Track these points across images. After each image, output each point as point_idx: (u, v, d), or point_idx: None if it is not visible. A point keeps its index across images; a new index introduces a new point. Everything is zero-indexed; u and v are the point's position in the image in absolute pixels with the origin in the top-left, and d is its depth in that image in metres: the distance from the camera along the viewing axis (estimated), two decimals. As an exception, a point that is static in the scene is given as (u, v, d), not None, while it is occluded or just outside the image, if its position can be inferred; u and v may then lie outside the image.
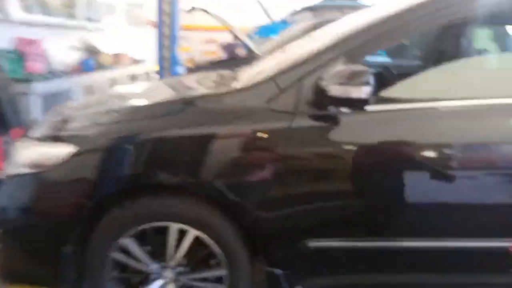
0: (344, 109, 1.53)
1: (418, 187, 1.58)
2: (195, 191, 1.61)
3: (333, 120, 1.55)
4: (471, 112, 1.59)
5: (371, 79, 1.44)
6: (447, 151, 1.55)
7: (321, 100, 1.52)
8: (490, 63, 2.12)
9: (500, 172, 1.60)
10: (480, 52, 2.76)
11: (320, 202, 1.59)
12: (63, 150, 1.58)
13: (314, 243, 1.59)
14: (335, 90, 1.44)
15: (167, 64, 4.90)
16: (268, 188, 1.55)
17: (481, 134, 1.58)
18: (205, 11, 5.34)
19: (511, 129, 1.58)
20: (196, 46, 7.49)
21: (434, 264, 1.66)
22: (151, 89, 2.39)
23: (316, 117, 1.56)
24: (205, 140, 1.56)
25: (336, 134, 1.55)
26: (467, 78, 1.69)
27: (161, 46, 4.90)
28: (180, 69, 4.98)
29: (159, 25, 4.86)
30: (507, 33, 2.59)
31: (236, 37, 5.35)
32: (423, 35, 1.67)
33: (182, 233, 1.61)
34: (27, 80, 3.79)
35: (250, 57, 5.79)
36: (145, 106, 1.77)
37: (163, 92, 2.16)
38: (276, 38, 6.75)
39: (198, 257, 1.65)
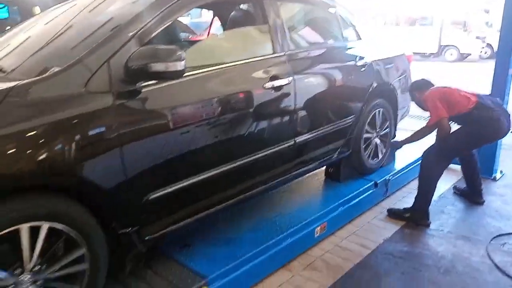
0: (152, 82, 1.82)
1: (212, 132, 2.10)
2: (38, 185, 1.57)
3: (144, 93, 1.80)
4: (229, 70, 2.19)
5: (183, 55, 1.73)
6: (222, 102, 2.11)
7: (134, 76, 1.75)
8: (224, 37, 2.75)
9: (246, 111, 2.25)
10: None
11: (151, 162, 1.87)
12: None
13: (152, 195, 1.90)
14: (156, 66, 1.70)
15: None
16: (108, 162, 1.70)
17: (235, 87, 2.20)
18: None
19: (256, 78, 2.29)
20: None
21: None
22: None
23: (130, 93, 1.76)
24: (37, 133, 1.51)
25: (150, 103, 1.83)
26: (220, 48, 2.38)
27: None
28: None
29: None
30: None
31: None
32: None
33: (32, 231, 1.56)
34: None
35: None
36: None
37: None
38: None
39: (56, 249, 1.65)
